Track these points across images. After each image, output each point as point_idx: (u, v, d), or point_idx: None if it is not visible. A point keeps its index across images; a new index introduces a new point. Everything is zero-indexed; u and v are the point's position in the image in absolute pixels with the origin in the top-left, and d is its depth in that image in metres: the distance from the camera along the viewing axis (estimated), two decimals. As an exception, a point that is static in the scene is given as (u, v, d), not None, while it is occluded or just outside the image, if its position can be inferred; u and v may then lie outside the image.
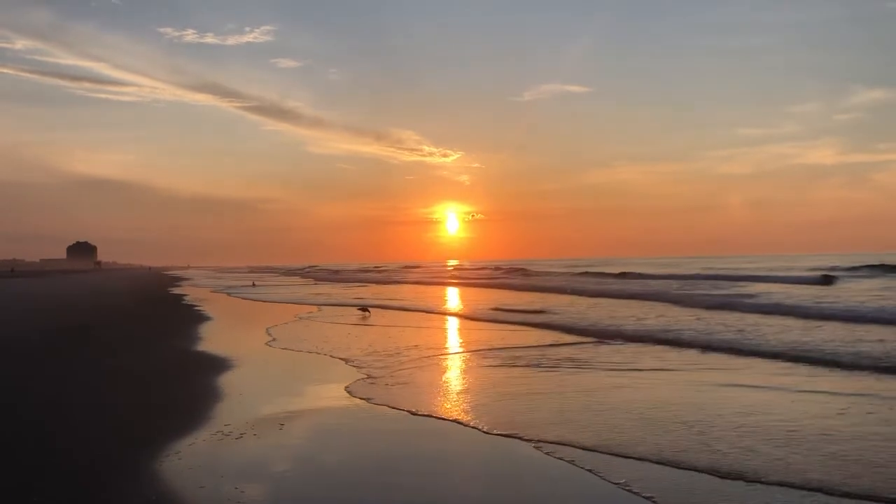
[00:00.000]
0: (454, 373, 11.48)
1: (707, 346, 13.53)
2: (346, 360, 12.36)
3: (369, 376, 10.71)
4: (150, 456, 6.38)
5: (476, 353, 13.56)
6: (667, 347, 13.64)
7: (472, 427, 7.55)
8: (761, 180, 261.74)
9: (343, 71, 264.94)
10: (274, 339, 15.97)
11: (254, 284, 56.21)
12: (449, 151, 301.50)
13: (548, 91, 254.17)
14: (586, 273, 57.64)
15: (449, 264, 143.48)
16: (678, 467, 6.01)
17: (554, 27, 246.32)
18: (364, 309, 22.96)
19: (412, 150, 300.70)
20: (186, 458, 6.39)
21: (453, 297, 34.99)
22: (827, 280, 33.57)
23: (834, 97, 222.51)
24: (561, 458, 6.34)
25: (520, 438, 7.00)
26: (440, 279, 61.12)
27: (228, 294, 41.92)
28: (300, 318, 22.54)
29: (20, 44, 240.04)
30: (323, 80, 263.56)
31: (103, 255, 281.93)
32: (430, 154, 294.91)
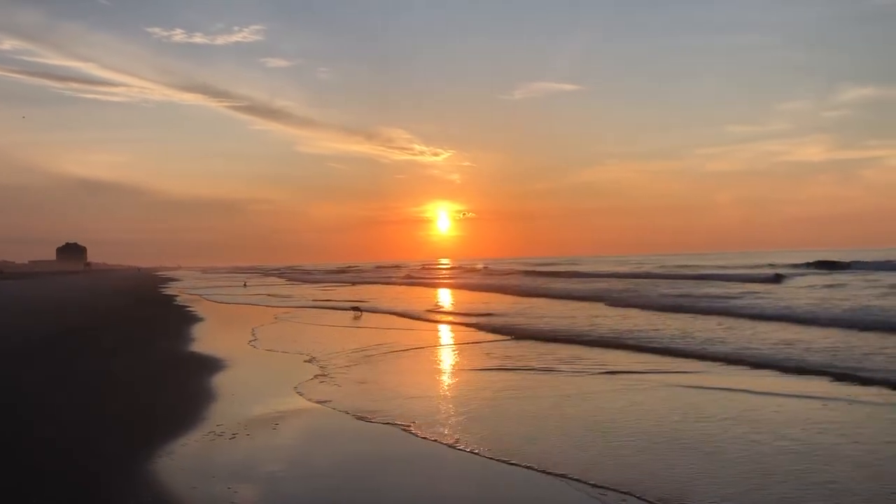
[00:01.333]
0: (408, 372, 11.74)
1: (596, 344, 14.09)
2: (314, 359, 12.51)
3: (327, 376, 10.93)
4: (145, 457, 6.48)
5: (421, 350, 14.03)
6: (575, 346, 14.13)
7: (461, 449, 7.60)
8: (751, 177, 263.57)
9: (333, 70, 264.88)
10: (257, 340, 16.28)
11: (245, 284, 56.50)
12: (439, 150, 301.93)
13: (539, 89, 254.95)
14: (534, 272, 59.55)
15: (424, 263, 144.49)
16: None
17: (545, 26, 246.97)
18: (356, 309, 23.71)
19: (403, 148, 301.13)
20: (179, 458, 6.50)
21: (402, 297, 35.50)
22: (778, 278, 35.14)
23: (823, 94, 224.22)
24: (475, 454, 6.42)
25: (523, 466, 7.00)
26: (402, 279, 62.38)
27: (219, 295, 41.81)
28: (278, 318, 23.00)
29: (7, 44, 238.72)
30: (313, 80, 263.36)
31: (93, 256, 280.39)
32: (421, 153, 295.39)
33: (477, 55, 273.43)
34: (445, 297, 33.61)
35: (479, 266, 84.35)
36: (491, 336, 16.35)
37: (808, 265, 46.98)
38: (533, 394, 9.45)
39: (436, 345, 15.50)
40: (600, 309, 22.68)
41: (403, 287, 48.31)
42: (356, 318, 21.97)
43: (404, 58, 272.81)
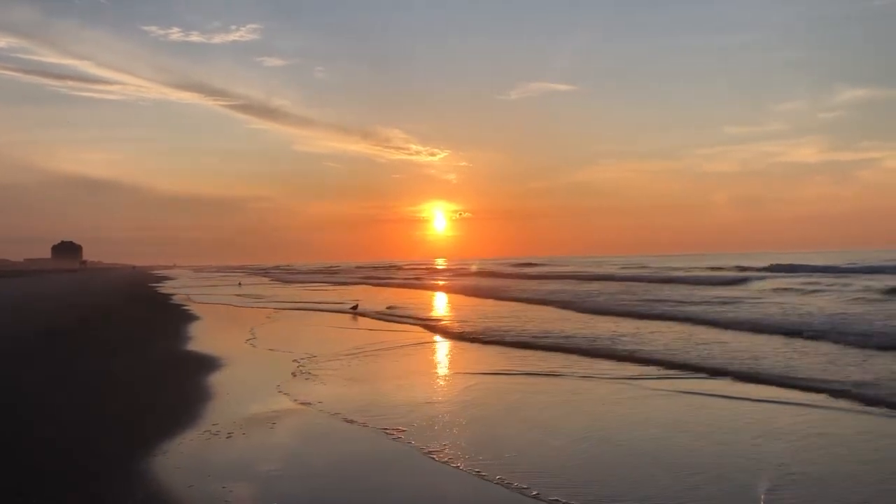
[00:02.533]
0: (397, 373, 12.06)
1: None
2: (307, 359, 12.75)
3: (320, 376, 11.17)
4: (141, 456, 6.60)
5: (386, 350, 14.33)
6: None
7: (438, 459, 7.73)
8: (747, 178, 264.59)
9: (329, 69, 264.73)
10: (252, 339, 16.47)
11: (240, 284, 56.77)
12: (436, 150, 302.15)
13: (535, 89, 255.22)
14: (496, 274, 61.37)
15: (392, 263, 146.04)
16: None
17: (542, 26, 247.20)
18: (354, 308, 24.99)
19: (399, 148, 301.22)
20: (176, 457, 6.63)
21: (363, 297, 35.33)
22: (738, 282, 35.89)
23: (818, 95, 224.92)
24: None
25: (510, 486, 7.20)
26: (360, 279, 63.67)
27: (213, 295, 41.99)
28: (269, 318, 23.41)
29: (2, 41, 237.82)
30: (309, 79, 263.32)
31: (88, 255, 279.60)
32: (417, 153, 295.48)
33: (474, 55, 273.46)
34: (398, 298, 33.74)
35: (457, 266, 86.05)
36: (425, 335, 16.89)
37: (766, 268, 48.22)
38: (463, 396, 9.70)
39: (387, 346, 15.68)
40: (546, 312, 23.06)
41: (356, 287, 48.96)
42: (354, 318, 22.78)
43: (401, 57, 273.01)
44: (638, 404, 8.86)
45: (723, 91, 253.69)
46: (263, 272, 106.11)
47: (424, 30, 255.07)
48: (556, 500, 5.45)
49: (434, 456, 6.69)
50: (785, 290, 29.10)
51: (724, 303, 23.31)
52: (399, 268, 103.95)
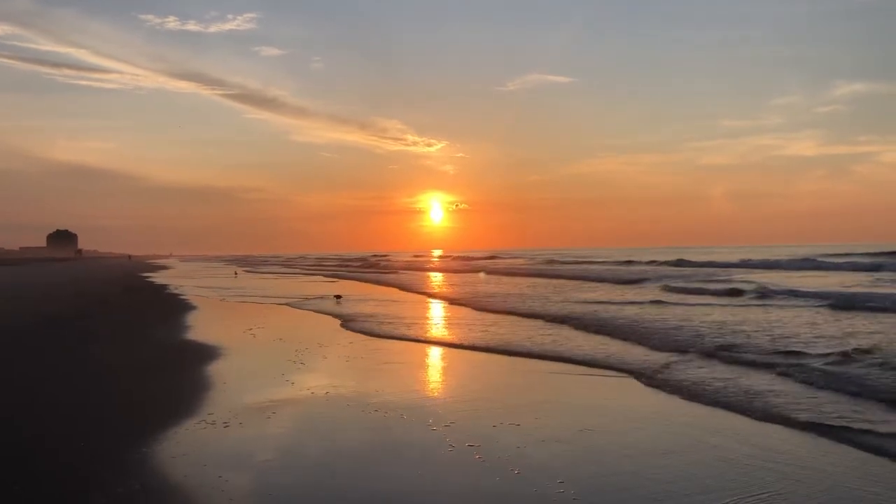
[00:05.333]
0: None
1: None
2: (303, 349, 12.77)
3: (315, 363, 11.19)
4: (136, 446, 6.54)
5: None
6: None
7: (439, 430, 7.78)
8: (744, 171, 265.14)
9: (327, 59, 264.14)
10: (248, 329, 16.38)
11: (236, 274, 57.00)
12: (433, 141, 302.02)
13: (532, 81, 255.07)
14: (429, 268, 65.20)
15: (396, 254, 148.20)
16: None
17: (538, 17, 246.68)
18: (338, 297, 26.20)
19: (396, 139, 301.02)
20: (172, 446, 6.58)
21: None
22: (636, 283, 35.18)
23: (815, 90, 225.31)
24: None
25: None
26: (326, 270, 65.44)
27: (208, 286, 42.03)
28: (261, 308, 23.59)
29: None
30: (307, 69, 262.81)
31: (84, 244, 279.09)
32: (415, 143, 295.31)
33: (471, 45, 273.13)
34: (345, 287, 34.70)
35: (413, 258, 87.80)
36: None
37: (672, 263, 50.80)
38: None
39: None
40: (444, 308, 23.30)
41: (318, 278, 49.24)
42: (338, 303, 24.04)
43: (399, 48, 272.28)
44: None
45: (720, 84, 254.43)
46: (230, 262, 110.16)
47: (422, 20, 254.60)
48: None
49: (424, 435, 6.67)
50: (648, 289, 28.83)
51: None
52: (363, 260, 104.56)
